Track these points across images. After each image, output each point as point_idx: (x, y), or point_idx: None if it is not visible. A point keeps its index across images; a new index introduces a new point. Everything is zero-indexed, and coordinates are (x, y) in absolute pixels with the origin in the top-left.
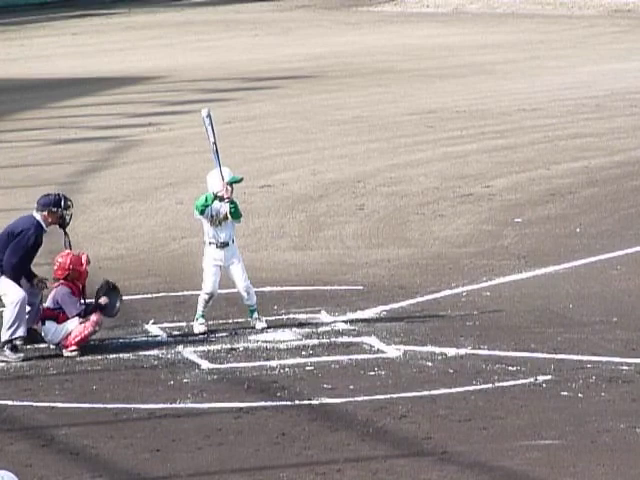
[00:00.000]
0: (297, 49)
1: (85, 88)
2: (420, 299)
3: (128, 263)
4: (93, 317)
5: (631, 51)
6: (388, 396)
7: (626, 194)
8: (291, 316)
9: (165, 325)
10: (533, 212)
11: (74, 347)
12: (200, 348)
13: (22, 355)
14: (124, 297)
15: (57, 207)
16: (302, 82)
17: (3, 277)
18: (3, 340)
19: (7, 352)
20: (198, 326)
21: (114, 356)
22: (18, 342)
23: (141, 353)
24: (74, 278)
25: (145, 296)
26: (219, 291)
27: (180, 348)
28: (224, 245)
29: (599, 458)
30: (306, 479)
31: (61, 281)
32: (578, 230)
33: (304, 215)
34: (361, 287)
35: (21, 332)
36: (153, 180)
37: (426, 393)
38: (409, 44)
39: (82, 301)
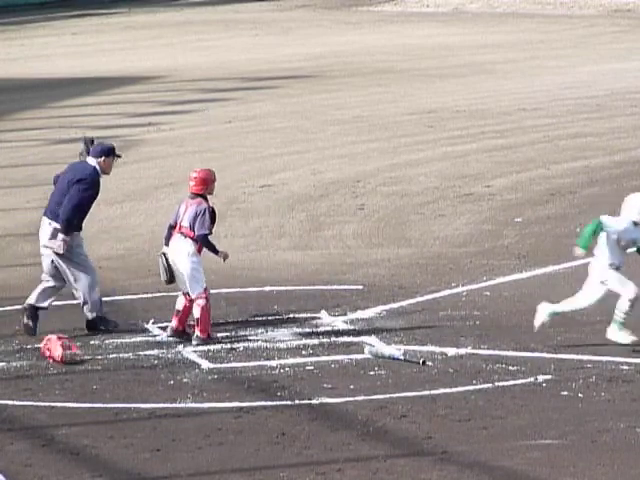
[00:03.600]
0: (297, 49)
1: (85, 88)
2: (420, 299)
3: (128, 263)
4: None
5: (631, 51)
6: (388, 396)
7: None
8: (291, 316)
9: (165, 325)
10: (533, 212)
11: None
12: (200, 348)
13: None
14: (124, 297)
15: (112, 154)
16: (302, 82)
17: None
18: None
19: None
20: None
21: (114, 356)
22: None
23: (141, 353)
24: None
25: (145, 296)
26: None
27: (180, 348)
28: None
29: (599, 458)
30: (306, 479)
31: (198, 198)
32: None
33: (304, 215)
34: (361, 287)
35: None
36: (153, 180)
37: (426, 393)
38: (409, 44)
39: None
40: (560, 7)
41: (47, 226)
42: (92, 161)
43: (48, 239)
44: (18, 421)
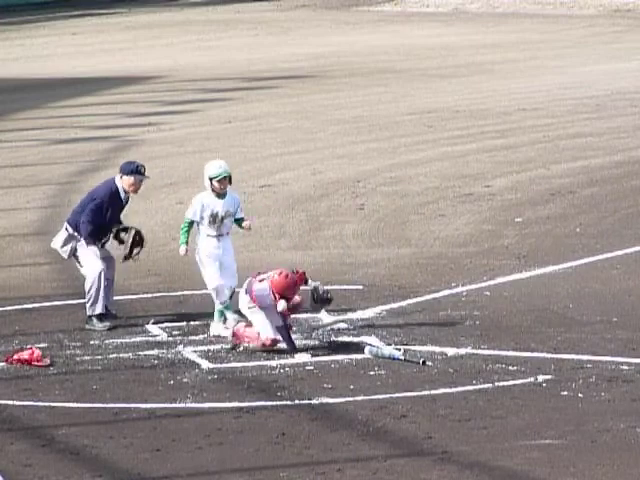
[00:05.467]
0: (297, 49)
1: (85, 88)
2: (420, 299)
3: (128, 263)
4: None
5: (631, 51)
6: (388, 396)
7: (626, 194)
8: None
9: (165, 325)
10: (533, 212)
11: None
12: (200, 348)
13: (108, 324)
14: (124, 297)
15: (134, 173)
16: (302, 82)
17: (82, 244)
18: (87, 314)
19: (94, 321)
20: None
21: (114, 356)
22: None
23: (141, 353)
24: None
25: (145, 296)
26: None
27: (180, 348)
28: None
29: (599, 458)
30: (306, 479)
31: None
32: (578, 230)
33: (304, 215)
34: (361, 287)
35: (99, 309)
36: (153, 180)
37: (426, 393)
38: (409, 44)
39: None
40: (560, 7)
41: (64, 230)
42: (117, 178)
43: (60, 245)
44: (18, 421)
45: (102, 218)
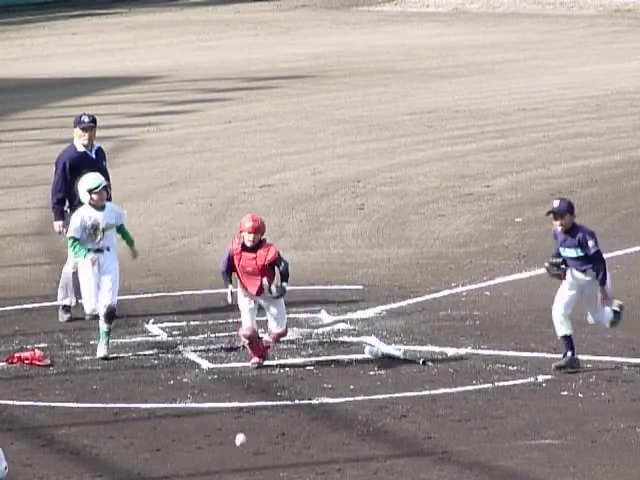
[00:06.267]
0: (297, 49)
1: (85, 88)
2: (420, 299)
3: (128, 263)
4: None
5: (631, 51)
6: (388, 396)
7: (626, 194)
8: (291, 316)
9: (165, 325)
10: (533, 212)
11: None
12: (200, 348)
13: (69, 316)
14: (124, 297)
15: (77, 124)
16: (302, 82)
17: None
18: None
19: (60, 311)
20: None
21: (114, 356)
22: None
23: (141, 353)
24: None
25: (145, 296)
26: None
27: (180, 348)
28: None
29: (599, 458)
30: (306, 479)
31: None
32: None
33: (304, 215)
34: (361, 287)
35: (67, 301)
36: (153, 180)
37: (426, 393)
38: (409, 44)
39: None
40: (560, 7)
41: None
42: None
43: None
44: (18, 421)
45: (69, 183)
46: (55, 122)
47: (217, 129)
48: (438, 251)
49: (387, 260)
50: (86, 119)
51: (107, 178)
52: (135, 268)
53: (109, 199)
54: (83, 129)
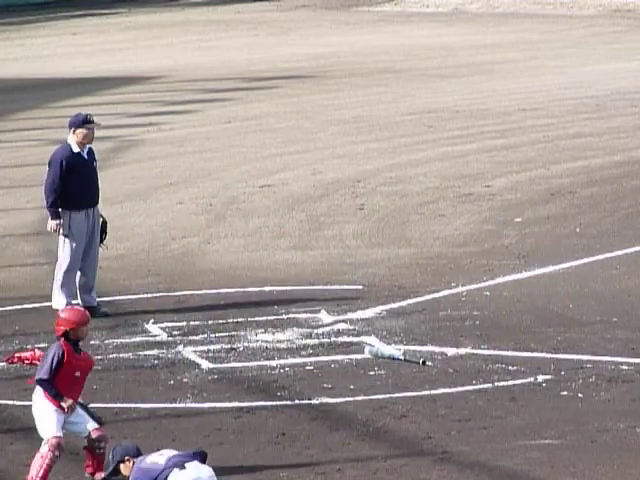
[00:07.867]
0: (297, 49)
1: (85, 88)
2: (420, 299)
3: (128, 263)
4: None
5: (631, 51)
6: (388, 396)
7: (626, 194)
8: (291, 316)
9: (165, 325)
10: (533, 212)
11: None
12: (200, 348)
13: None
14: (124, 297)
15: (84, 124)
16: (302, 82)
17: (62, 236)
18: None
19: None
20: None
21: (114, 356)
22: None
23: (141, 353)
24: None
25: (145, 296)
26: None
27: (180, 348)
28: None
29: (599, 458)
30: (306, 479)
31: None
32: (578, 230)
33: (304, 215)
34: (361, 287)
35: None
36: (153, 180)
37: (426, 393)
38: (409, 44)
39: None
40: (560, 7)
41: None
42: (69, 137)
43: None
44: (18, 421)
45: (64, 184)
46: (55, 122)
47: (217, 129)
48: (438, 251)
49: (387, 260)
50: (92, 118)
51: (96, 179)
52: (135, 268)
53: (97, 202)
54: (89, 128)
